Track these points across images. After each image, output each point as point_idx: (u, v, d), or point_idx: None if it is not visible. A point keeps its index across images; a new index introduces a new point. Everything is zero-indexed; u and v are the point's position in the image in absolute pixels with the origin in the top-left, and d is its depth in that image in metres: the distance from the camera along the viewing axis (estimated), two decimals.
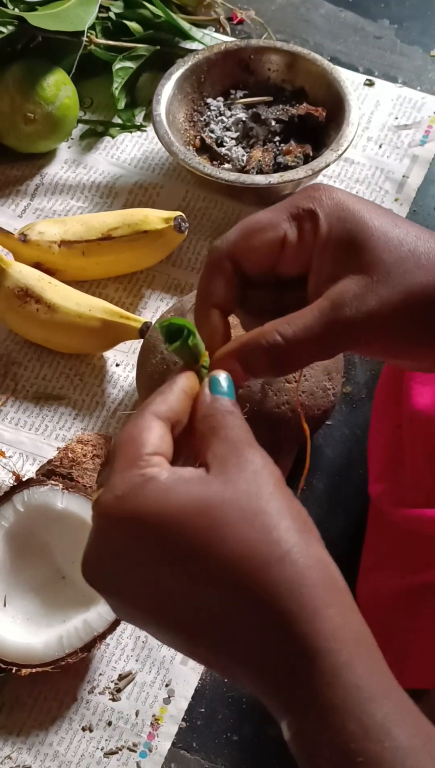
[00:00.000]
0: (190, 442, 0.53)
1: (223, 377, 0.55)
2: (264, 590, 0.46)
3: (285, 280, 0.60)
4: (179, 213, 1.01)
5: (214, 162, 1.09)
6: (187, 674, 0.83)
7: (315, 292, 0.58)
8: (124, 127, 1.17)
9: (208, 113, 1.13)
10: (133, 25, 1.19)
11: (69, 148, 1.16)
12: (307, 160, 1.07)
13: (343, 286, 0.56)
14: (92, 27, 1.15)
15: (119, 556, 0.49)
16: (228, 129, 1.11)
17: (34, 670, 0.79)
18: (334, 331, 0.56)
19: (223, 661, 0.48)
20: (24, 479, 0.87)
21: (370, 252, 0.56)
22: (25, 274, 0.98)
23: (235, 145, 1.10)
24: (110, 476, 0.50)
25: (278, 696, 0.47)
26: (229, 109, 1.13)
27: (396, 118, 1.18)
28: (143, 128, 1.17)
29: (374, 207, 0.58)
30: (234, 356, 0.56)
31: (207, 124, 1.12)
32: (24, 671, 0.79)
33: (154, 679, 0.83)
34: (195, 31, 1.20)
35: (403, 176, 1.13)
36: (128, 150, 1.16)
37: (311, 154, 1.08)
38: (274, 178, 1.03)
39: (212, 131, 1.11)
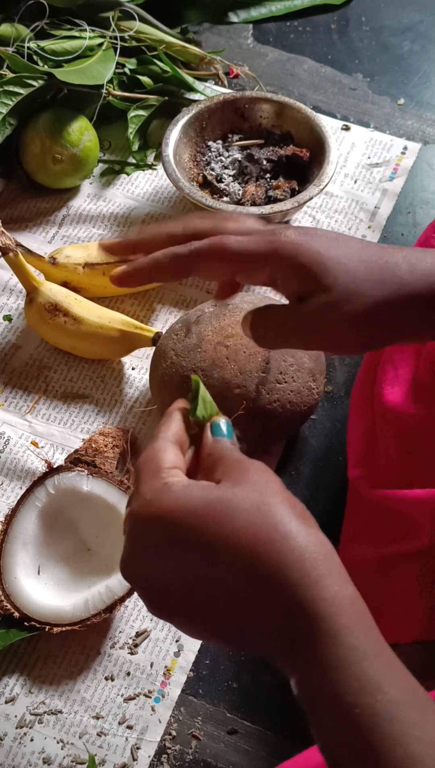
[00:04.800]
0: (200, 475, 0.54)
1: (223, 422, 0.55)
2: (271, 564, 0.46)
3: None
4: None
5: (215, 196, 1.09)
6: None
7: (289, 297, 0.59)
8: (138, 166, 1.17)
9: (209, 154, 1.12)
10: (145, 79, 1.18)
11: (91, 184, 1.16)
12: (293, 193, 1.07)
13: (312, 303, 0.57)
14: (110, 81, 1.15)
15: (149, 551, 0.49)
16: (226, 167, 1.11)
17: (64, 629, 0.79)
18: (310, 335, 0.58)
19: (240, 634, 0.48)
20: (54, 466, 0.87)
21: (330, 278, 0.57)
22: (54, 291, 0.98)
23: (232, 181, 1.10)
24: (137, 489, 0.51)
25: (287, 657, 0.47)
26: (227, 151, 1.12)
27: (369, 158, 1.18)
28: (154, 167, 1.17)
29: (327, 239, 0.59)
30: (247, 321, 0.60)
31: (208, 164, 1.12)
32: (55, 629, 0.79)
33: (166, 636, 0.82)
34: (197, 84, 1.20)
35: (375, 207, 1.13)
36: (141, 186, 1.15)
37: (297, 189, 1.08)
38: (266, 210, 1.02)
39: (213, 169, 1.11)
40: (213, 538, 0.47)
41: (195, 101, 1.16)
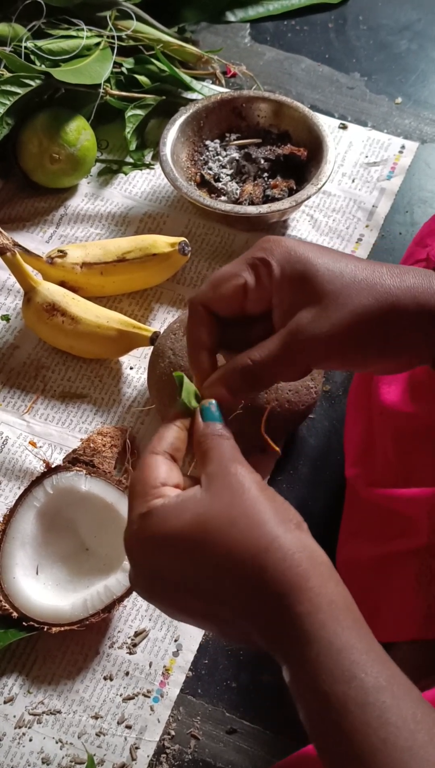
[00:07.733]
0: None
1: (212, 405, 0.58)
2: (256, 576, 0.50)
3: (255, 318, 0.61)
4: (183, 238, 1.01)
5: (212, 195, 1.09)
6: (192, 631, 0.83)
7: (279, 322, 0.59)
8: (136, 166, 1.17)
9: (207, 153, 1.12)
10: (142, 79, 1.18)
11: (88, 183, 1.16)
12: (291, 192, 1.07)
13: (299, 316, 0.58)
14: (108, 80, 1.15)
15: (144, 571, 0.54)
16: (224, 167, 1.11)
17: (62, 629, 0.79)
18: (293, 353, 0.58)
19: (238, 632, 0.52)
20: (53, 466, 0.87)
21: (318, 284, 0.58)
22: (52, 291, 0.98)
23: (229, 181, 1.10)
24: (129, 513, 0.55)
25: (276, 651, 0.51)
26: (225, 150, 1.13)
27: (366, 157, 1.18)
28: (151, 166, 1.17)
29: (317, 248, 0.60)
30: (220, 382, 0.59)
31: (206, 163, 1.12)
32: (54, 629, 0.79)
33: (164, 636, 0.83)
34: (195, 84, 1.20)
35: (373, 206, 1.13)
36: (139, 185, 1.15)
37: (295, 188, 1.08)
38: (263, 209, 1.03)
39: (210, 168, 1.11)
40: (198, 557, 0.51)
41: (192, 100, 1.16)
